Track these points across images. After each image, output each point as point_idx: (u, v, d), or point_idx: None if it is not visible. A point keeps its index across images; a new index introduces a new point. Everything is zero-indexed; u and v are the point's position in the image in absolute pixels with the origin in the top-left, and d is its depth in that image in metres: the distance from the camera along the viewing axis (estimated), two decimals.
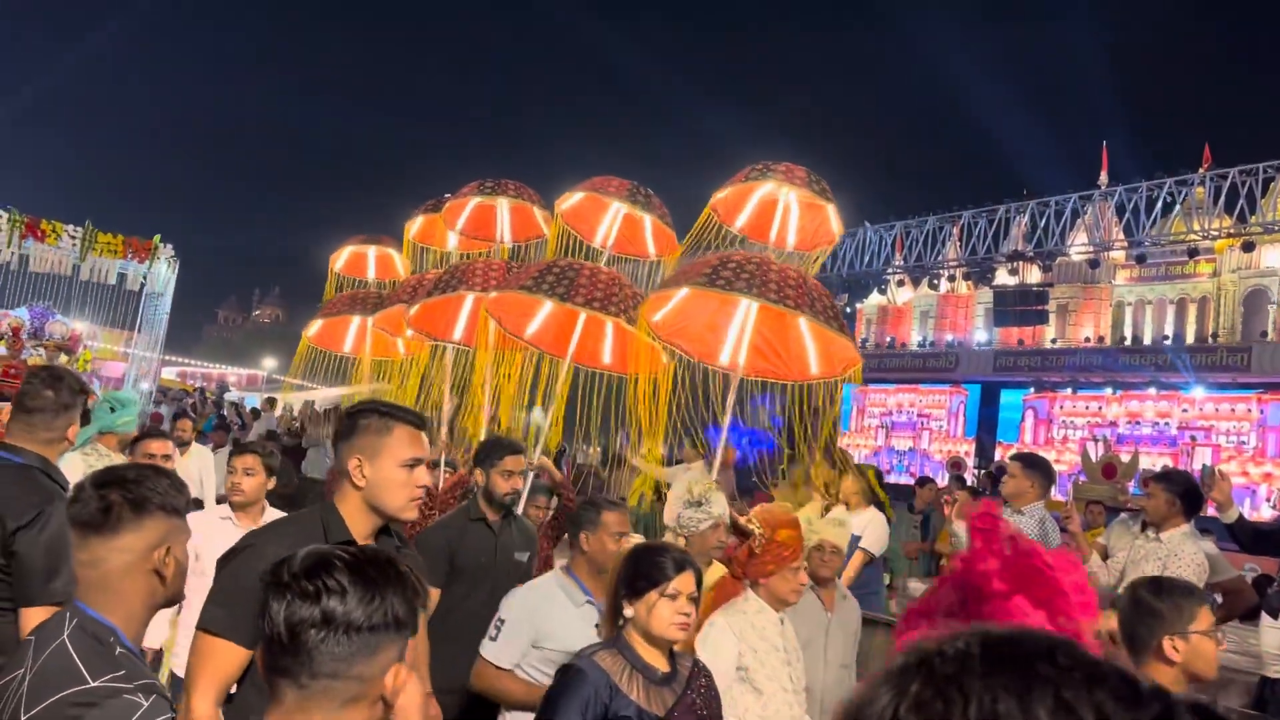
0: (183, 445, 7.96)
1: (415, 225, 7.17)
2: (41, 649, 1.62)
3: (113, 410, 4.68)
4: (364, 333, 7.39)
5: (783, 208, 5.19)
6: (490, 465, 3.86)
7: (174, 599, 1.80)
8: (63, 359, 10.73)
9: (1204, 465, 16.10)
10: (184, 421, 8.14)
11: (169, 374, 17.04)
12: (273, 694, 1.33)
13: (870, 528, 5.71)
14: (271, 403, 16.62)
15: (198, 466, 7.39)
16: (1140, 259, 21.36)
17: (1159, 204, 19.67)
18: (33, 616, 2.43)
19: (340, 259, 7.60)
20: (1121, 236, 20.64)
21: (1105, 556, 4.83)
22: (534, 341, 5.54)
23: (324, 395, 22.50)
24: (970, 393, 24.74)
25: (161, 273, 15.46)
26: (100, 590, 1.68)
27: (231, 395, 23.18)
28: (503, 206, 6.24)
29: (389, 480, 2.20)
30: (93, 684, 1.55)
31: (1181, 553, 4.30)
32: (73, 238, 14.30)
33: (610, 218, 5.68)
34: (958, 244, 23.21)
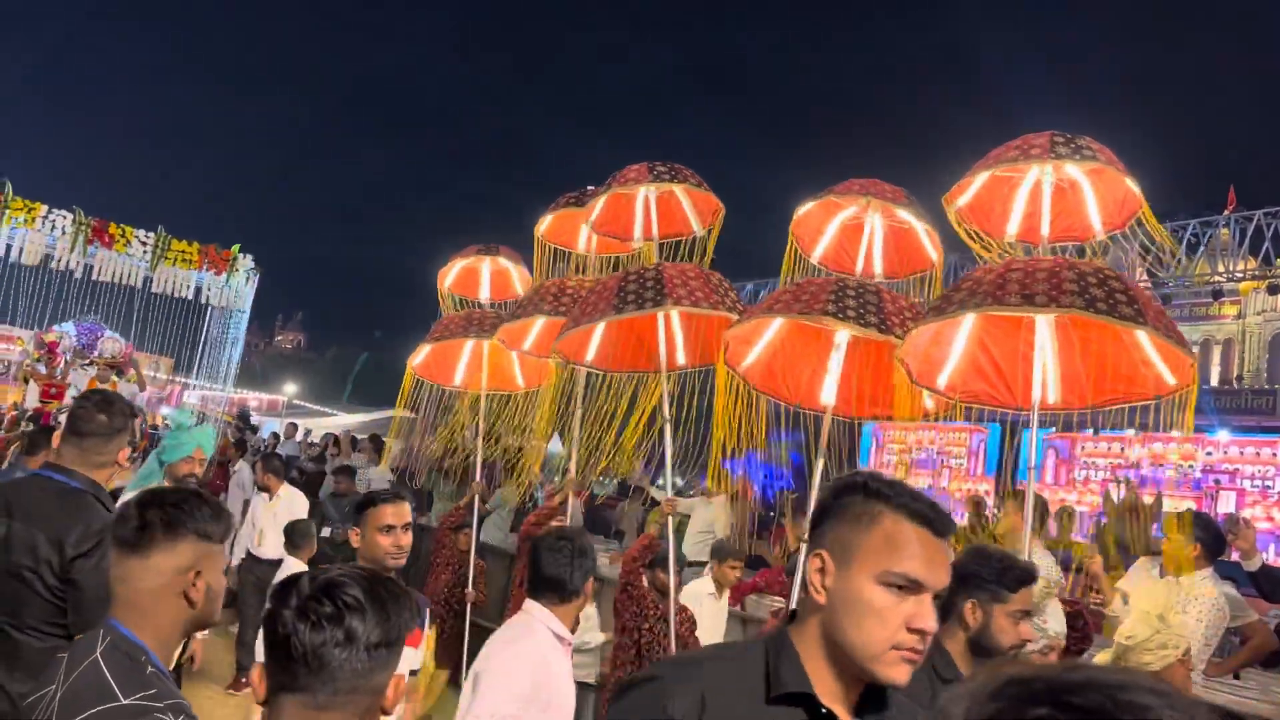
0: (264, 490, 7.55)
1: (545, 223, 6.03)
2: (74, 666, 1.66)
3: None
4: (479, 362, 6.46)
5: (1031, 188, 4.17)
6: (994, 598, 2.44)
7: (204, 623, 1.83)
8: (113, 379, 9.85)
9: (1229, 514, 15.90)
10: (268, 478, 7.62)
11: (191, 399, 16.75)
12: (278, 711, 1.35)
13: None
14: (293, 428, 16.72)
15: (286, 512, 6.98)
16: (1164, 299, 21.26)
17: (1183, 245, 19.58)
18: None
19: (449, 275, 6.65)
20: (1145, 277, 20.55)
21: (1126, 601, 4.80)
22: (779, 393, 4.55)
23: (351, 421, 22.57)
24: (991, 431, 24.55)
25: (239, 286, 13.96)
26: (131, 609, 1.72)
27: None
28: (649, 196, 5.14)
29: (861, 604, 1.38)
30: (124, 701, 1.58)
31: (1201, 596, 4.27)
32: (144, 243, 12.77)
33: (867, 230, 4.56)
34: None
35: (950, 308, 3.62)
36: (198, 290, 13.52)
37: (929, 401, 4.13)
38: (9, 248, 12.24)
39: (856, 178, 4.41)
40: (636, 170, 5.07)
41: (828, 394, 4.24)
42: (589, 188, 5.57)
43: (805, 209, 4.55)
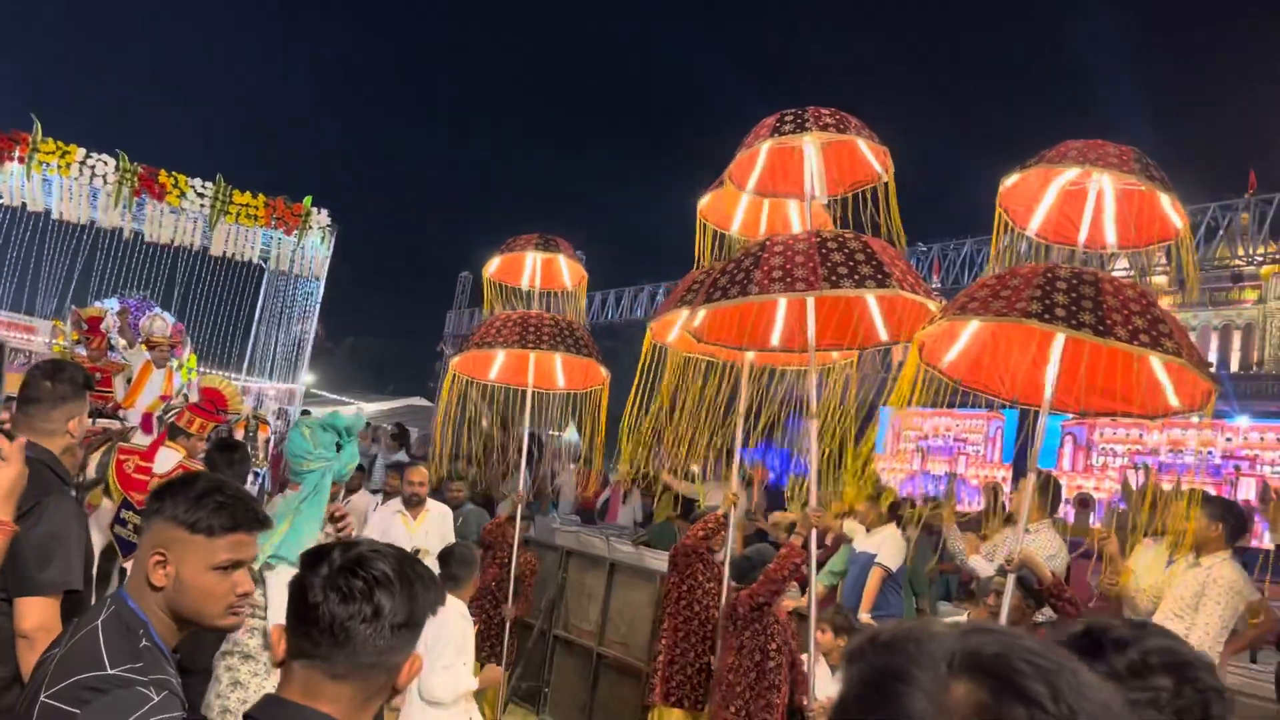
0: (414, 505, 5.75)
1: (706, 201, 5.32)
2: (77, 631, 1.72)
3: (340, 446, 3.23)
4: (518, 358, 6.15)
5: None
6: None
7: (180, 612, 1.79)
8: (169, 365, 8.54)
9: (1264, 484, 15.89)
10: (417, 472, 5.88)
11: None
12: (291, 675, 1.38)
13: (885, 543, 5.79)
14: (307, 415, 16.85)
15: (439, 533, 5.48)
16: (1183, 284, 21.07)
17: (1202, 228, 19.39)
18: (26, 606, 2.49)
19: (494, 263, 6.32)
20: (1164, 261, 20.36)
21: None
22: (992, 387, 4.18)
23: (369, 410, 22.61)
24: (1008, 418, 24.45)
25: (313, 247, 11.63)
26: (135, 584, 1.79)
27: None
28: (809, 147, 4.48)
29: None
30: (109, 671, 1.62)
31: (1220, 577, 4.27)
32: (200, 195, 10.64)
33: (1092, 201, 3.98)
34: (996, 267, 23.02)
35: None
36: (264, 256, 11.26)
37: (1173, 398, 3.70)
38: (48, 211, 10.13)
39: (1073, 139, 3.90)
40: (765, 124, 4.41)
41: (1050, 387, 3.81)
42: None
43: (1013, 179, 4.04)
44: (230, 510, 1.79)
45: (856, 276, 3.87)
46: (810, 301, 4.23)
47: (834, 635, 4.61)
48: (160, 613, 1.76)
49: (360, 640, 1.35)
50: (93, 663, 1.63)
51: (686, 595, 4.95)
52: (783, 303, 4.49)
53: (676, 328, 5.05)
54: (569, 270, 6.37)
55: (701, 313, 4.28)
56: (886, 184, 4.52)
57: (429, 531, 5.51)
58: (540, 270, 6.30)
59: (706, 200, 5.26)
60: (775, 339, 4.74)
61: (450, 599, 4.17)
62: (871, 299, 4.42)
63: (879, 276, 3.89)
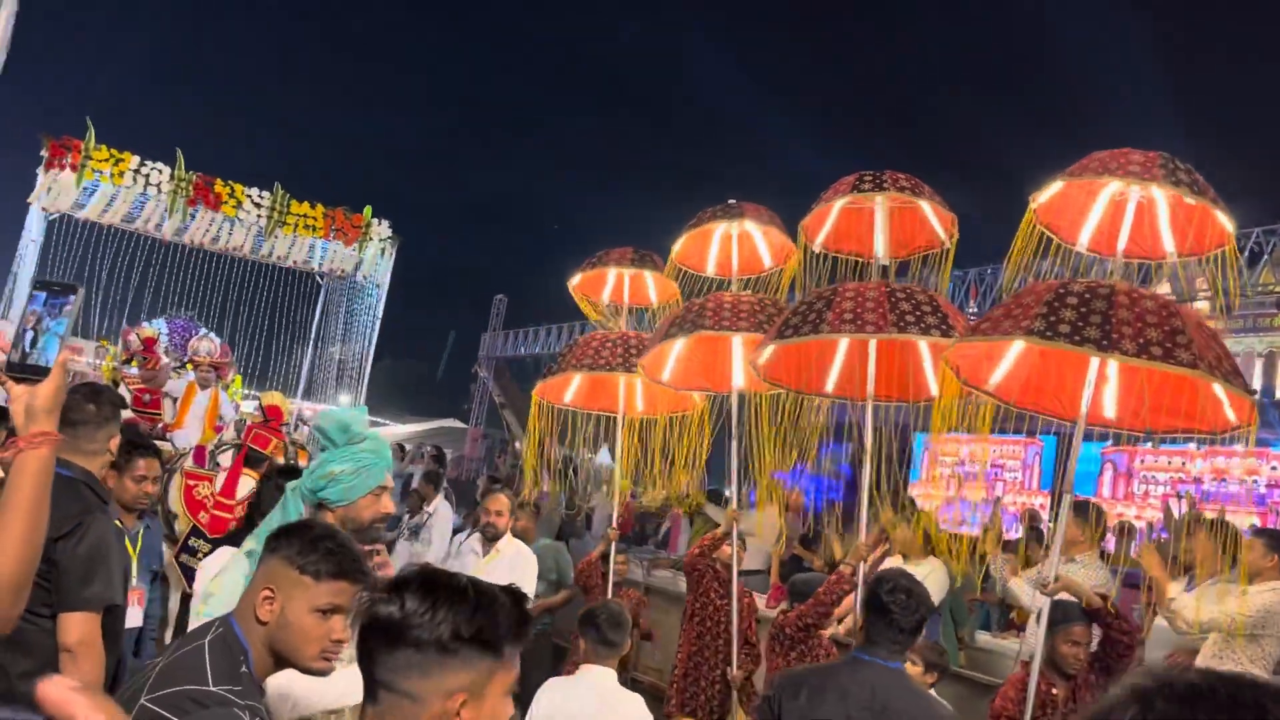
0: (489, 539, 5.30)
1: (681, 244, 5.42)
2: (183, 645, 1.82)
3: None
4: (596, 382, 5.87)
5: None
6: None
7: (278, 648, 1.87)
8: (214, 389, 8.33)
9: None
10: (496, 500, 5.31)
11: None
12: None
13: (930, 578, 5.67)
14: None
15: (508, 570, 4.84)
16: (1226, 310, 20.74)
17: (1246, 253, 19.09)
18: (69, 621, 2.58)
19: (582, 275, 5.98)
20: (1206, 286, 20.03)
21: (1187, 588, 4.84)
22: (1049, 408, 4.09)
23: (404, 431, 22.79)
24: (1046, 444, 24.09)
25: (373, 260, 11.07)
26: (243, 614, 1.88)
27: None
28: (879, 208, 4.55)
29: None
30: (211, 688, 1.70)
31: (1272, 604, 4.26)
32: (257, 204, 10.15)
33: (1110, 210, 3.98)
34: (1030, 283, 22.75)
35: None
36: (321, 270, 10.77)
37: (1230, 412, 3.56)
38: (99, 223, 9.48)
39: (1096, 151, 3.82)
40: (844, 181, 4.56)
41: (1109, 406, 3.79)
42: (731, 200, 5.19)
43: (1046, 195, 3.93)
44: (339, 558, 1.88)
45: (922, 325, 4.03)
46: (872, 346, 4.38)
47: (924, 670, 4.29)
48: (260, 645, 1.84)
49: (374, 655, 1.37)
50: (197, 676, 1.71)
51: (700, 611, 5.10)
52: (842, 349, 4.65)
53: (669, 365, 5.24)
54: (656, 287, 5.91)
55: (770, 349, 4.38)
56: (946, 250, 4.66)
57: (493, 576, 5.05)
58: (629, 286, 5.92)
59: (680, 245, 5.38)
60: (830, 385, 4.81)
61: (603, 671, 3.65)
62: (926, 354, 4.56)
63: (943, 327, 4.04)
